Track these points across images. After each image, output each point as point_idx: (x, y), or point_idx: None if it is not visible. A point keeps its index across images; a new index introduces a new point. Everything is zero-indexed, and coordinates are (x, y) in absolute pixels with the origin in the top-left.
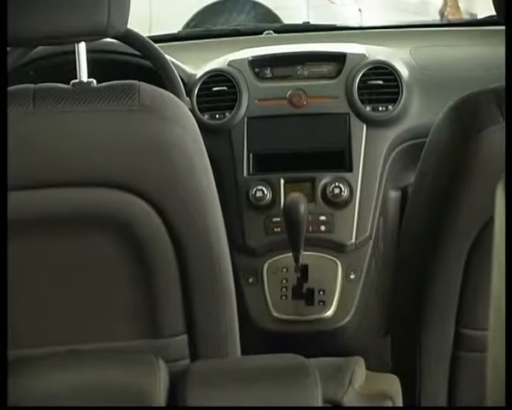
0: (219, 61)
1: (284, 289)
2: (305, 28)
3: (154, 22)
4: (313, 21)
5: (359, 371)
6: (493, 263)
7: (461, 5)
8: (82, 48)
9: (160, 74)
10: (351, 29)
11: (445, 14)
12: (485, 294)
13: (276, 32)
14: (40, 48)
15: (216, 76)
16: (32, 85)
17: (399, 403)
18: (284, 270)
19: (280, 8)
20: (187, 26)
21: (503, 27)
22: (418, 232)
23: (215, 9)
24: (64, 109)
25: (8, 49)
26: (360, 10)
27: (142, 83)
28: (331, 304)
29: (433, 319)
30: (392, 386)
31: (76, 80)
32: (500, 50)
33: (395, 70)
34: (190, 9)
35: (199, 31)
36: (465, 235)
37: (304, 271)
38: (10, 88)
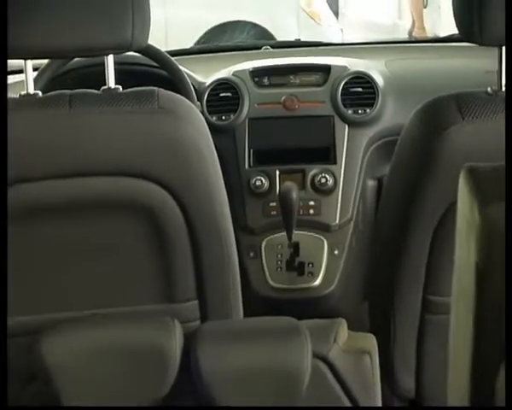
0: (225, 72)
1: (279, 263)
2: (297, 44)
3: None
4: (303, 39)
5: (342, 331)
6: (456, 239)
7: (426, 26)
8: (110, 60)
9: (175, 82)
10: (334, 45)
11: (413, 33)
12: (449, 265)
13: (272, 47)
14: (75, 60)
15: (222, 84)
16: (68, 91)
17: (376, 358)
18: (279, 246)
19: (275, 29)
20: (198, 42)
21: (464, 44)
22: (392, 215)
23: (221, 29)
24: (95, 111)
25: (50, 60)
26: (342, 30)
27: (160, 89)
28: (318, 275)
29: (404, 287)
30: (369, 343)
31: (105, 87)
32: (460, 63)
33: (372, 79)
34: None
35: (207, 46)
36: (431, 216)
37: (295, 247)
38: (51, 93)
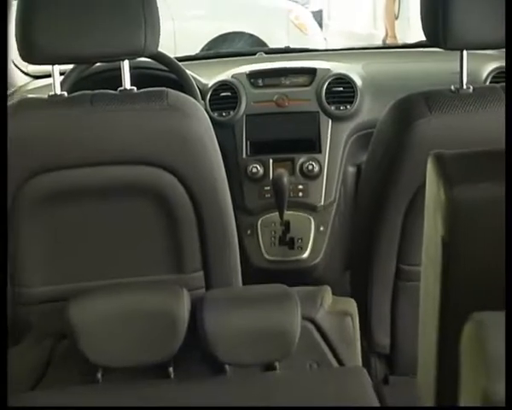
0: (225, 75)
1: (273, 239)
2: (287, 51)
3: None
4: (292, 46)
5: (327, 296)
6: (425, 216)
7: (397, 35)
8: (126, 64)
9: (182, 84)
10: (319, 51)
11: (386, 41)
12: (419, 239)
13: (265, 53)
14: (96, 65)
15: (223, 85)
16: (90, 91)
17: (356, 319)
18: (273, 224)
19: (268, 38)
20: (202, 50)
21: (430, 49)
22: (369, 196)
23: (222, 39)
24: (113, 109)
25: (74, 65)
26: (325, 39)
27: (169, 89)
28: (307, 248)
29: (380, 258)
30: (350, 307)
31: (121, 88)
32: (427, 65)
33: (351, 80)
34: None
35: (210, 53)
36: (403, 197)
37: (287, 225)
38: (75, 93)
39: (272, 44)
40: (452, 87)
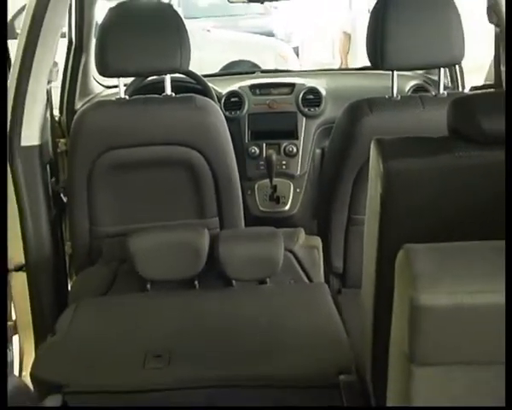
0: (234, 86)
1: (265, 197)
2: (275, 71)
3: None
4: (279, 68)
5: (301, 235)
6: (369, 181)
7: (349, 63)
8: (167, 78)
9: (205, 92)
10: (296, 71)
11: (341, 67)
12: (364, 197)
13: (261, 72)
14: (148, 78)
15: (232, 93)
16: (143, 96)
17: (320, 251)
18: (265, 187)
19: (263, 64)
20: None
21: (372, 71)
22: (329, 169)
23: (232, 64)
24: (158, 108)
25: (134, 78)
26: (300, 65)
27: (196, 95)
28: (287, 203)
29: (337, 210)
30: (317, 242)
31: (164, 93)
32: (369, 82)
33: (318, 91)
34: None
35: (224, 72)
36: (353, 168)
37: (274, 188)
38: (133, 97)
39: (265, 67)
40: (386, 96)
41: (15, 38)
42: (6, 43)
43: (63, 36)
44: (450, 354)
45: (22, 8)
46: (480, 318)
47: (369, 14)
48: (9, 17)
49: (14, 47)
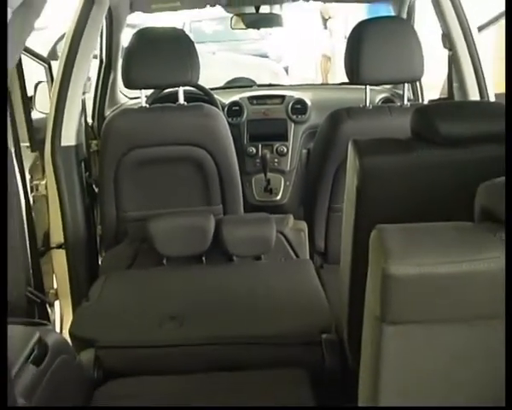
0: (235, 97)
1: (260, 188)
2: (269, 85)
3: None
4: (272, 83)
5: (290, 220)
6: (346, 176)
7: (329, 80)
8: (180, 89)
9: (211, 102)
10: (286, 86)
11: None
12: (342, 189)
13: (258, 86)
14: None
15: (234, 103)
16: (161, 104)
17: (306, 233)
18: (261, 181)
19: (259, 79)
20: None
21: (350, 85)
22: (313, 167)
23: (234, 80)
24: (173, 114)
25: (153, 90)
26: (290, 81)
27: (205, 104)
28: (279, 194)
29: (319, 200)
30: (303, 226)
31: (178, 102)
32: (346, 94)
33: (305, 102)
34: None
35: (227, 86)
36: (333, 165)
37: (268, 181)
38: (153, 105)
39: (261, 83)
40: (361, 105)
41: (57, 59)
42: (6, 48)
43: (95, 57)
44: (414, 314)
45: (62, 36)
46: (441, 284)
47: (345, 41)
48: (52, 43)
49: (56, 66)
